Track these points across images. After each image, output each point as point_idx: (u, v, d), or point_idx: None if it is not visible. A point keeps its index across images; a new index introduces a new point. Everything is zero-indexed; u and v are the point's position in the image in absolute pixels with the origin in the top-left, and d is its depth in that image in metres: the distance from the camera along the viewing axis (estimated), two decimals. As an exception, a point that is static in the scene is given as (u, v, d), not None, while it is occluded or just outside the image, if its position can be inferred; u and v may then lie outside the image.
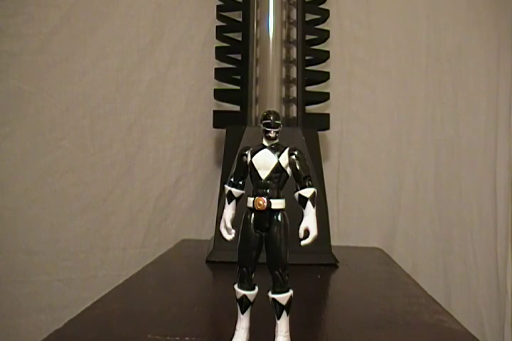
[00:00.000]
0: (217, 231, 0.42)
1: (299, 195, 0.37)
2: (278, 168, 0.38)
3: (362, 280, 0.68)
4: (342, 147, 0.97)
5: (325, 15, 0.88)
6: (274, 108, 0.81)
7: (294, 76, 0.84)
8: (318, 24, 0.88)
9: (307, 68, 0.84)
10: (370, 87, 0.96)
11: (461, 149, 0.94)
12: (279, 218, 0.38)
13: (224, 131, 0.83)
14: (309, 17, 0.86)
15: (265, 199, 0.37)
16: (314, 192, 0.37)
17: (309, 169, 0.38)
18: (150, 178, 0.92)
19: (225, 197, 0.40)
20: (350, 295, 0.60)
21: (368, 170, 0.96)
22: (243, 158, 0.39)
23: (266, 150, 0.38)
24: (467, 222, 0.94)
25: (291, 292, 0.38)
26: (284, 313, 0.38)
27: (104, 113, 0.90)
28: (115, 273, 0.87)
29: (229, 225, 0.39)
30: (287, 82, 0.86)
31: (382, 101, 0.96)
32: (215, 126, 0.86)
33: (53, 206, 0.87)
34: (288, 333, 0.38)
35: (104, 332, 0.44)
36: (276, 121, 0.38)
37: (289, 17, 0.86)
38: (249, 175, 0.39)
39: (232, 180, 0.40)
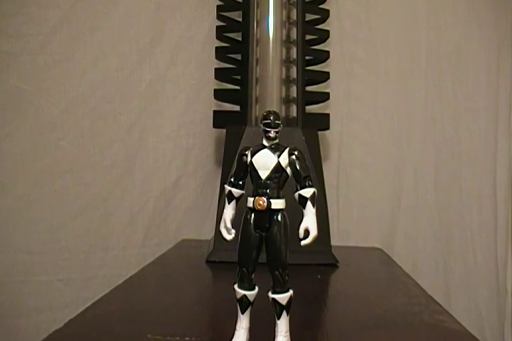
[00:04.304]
0: (217, 231, 0.42)
1: (299, 195, 0.37)
2: (278, 168, 0.38)
3: (362, 280, 0.68)
4: (342, 147, 0.97)
5: (325, 15, 0.88)
6: (274, 108, 0.81)
7: (294, 76, 0.84)
8: (318, 24, 0.88)
9: (307, 68, 0.84)
10: (370, 87, 0.96)
11: (461, 149, 0.94)
12: (279, 218, 0.38)
13: (224, 131, 0.83)
14: (309, 17, 0.86)
15: (265, 199, 0.37)
16: (314, 192, 0.37)
17: (309, 169, 0.38)
18: (150, 178, 0.92)
19: (225, 197, 0.40)
20: (350, 295, 0.60)
21: (368, 170, 0.96)
22: (243, 158, 0.39)
23: (266, 150, 0.38)
24: (467, 222, 0.94)
25: (291, 292, 0.38)
26: (284, 313, 0.38)
27: (104, 113, 0.90)
28: (115, 273, 0.86)
29: (229, 225, 0.39)
30: (287, 82, 0.86)
31: (382, 101, 0.96)
32: (215, 126, 0.86)
33: (53, 206, 0.87)
34: (288, 333, 0.38)
35: (104, 332, 0.44)
36: (276, 121, 0.38)
37: (289, 17, 0.86)
38: (249, 175, 0.39)
39: (232, 180, 0.40)
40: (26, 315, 0.85)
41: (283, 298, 0.38)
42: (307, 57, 0.85)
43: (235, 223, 0.40)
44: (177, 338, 0.42)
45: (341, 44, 0.95)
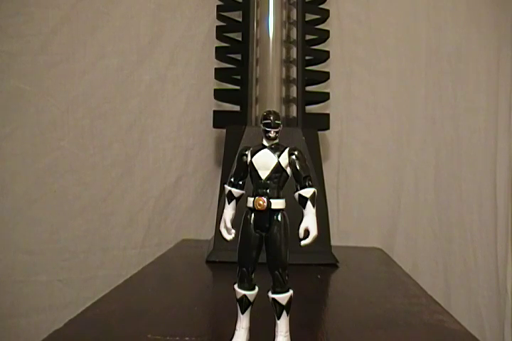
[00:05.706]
0: (217, 231, 0.42)
1: (299, 195, 0.37)
2: (278, 168, 0.38)
3: (362, 280, 0.68)
4: (342, 147, 0.97)
5: (325, 15, 0.88)
6: (274, 108, 0.81)
7: (294, 76, 0.84)
8: (318, 24, 0.88)
9: (307, 68, 0.84)
10: (370, 87, 0.96)
11: (461, 149, 0.94)
12: (279, 218, 0.38)
13: (224, 131, 0.83)
14: (309, 17, 0.86)
15: (265, 199, 0.37)
16: (314, 192, 0.37)
17: (309, 169, 0.38)
18: (150, 178, 0.92)
19: (225, 197, 0.40)
20: (350, 295, 0.60)
21: (368, 170, 0.96)
22: (243, 158, 0.39)
23: (266, 150, 0.38)
24: (467, 222, 0.94)
25: (291, 292, 0.38)
26: (284, 313, 0.38)
27: (104, 113, 0.90)
28: (115, 273, 0.87)
29: (229, 225, 0.39)
30: (287, 82, 0.86)
31: (382, 101, 0.96)
32: (215, 126, 0.86)
33: (53, 206, 0.87)
34: (288, 333, 0.38)
35: (104, 332, 0.44)
36: (276, 121, 0.38)
37: (289, 17, 0.86)
38: (249, 175, 0.39)
39: (232, 180, 0.40)
40: (26, 314, 0.85)
41: (283, 298, 0.38)
42: (307, 57, 0.85)
43: (235, 223, 0.40)
44: (177, 338, 0.42)
45: (341, 44, 0.95)
